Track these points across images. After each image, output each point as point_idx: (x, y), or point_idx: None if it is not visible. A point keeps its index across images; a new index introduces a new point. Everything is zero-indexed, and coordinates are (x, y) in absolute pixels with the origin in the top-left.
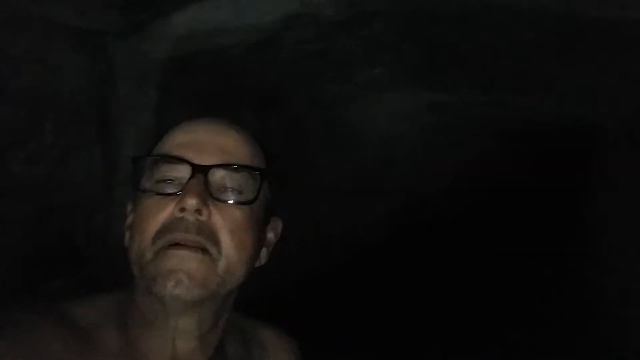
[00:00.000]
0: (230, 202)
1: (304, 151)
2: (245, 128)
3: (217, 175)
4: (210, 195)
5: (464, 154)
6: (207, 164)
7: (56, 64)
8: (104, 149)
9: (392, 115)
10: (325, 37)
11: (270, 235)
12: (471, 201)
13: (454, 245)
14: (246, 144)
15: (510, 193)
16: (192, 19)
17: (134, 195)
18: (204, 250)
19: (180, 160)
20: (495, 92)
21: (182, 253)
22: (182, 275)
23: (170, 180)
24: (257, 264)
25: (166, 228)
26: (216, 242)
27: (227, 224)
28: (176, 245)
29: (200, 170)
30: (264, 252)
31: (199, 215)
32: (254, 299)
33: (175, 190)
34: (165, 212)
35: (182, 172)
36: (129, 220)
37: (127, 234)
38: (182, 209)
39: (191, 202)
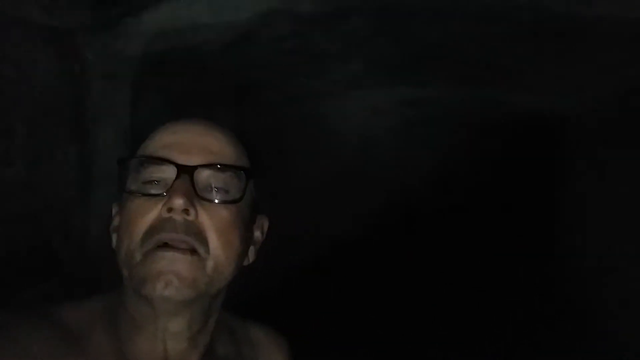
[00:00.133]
0: (216, 201)
1: (281, 148)
2: (227, 127)
3: (203, 175)
4: (196, 195)
5: (441, 148)
6: (193, 164)
7: (25, 63)
8: (78, 149)
9: (369, 110)
10: (302, 33)
11: (257, 234)
12: (449, 195)
13: (433, 239)
14: (230, 143)
15: (488, 186)
16: (165, 16)
17: (120, 197)
18: (192, 251)
19: (166, 161)
20: (470, 86)
21: (171, 255)
22: (172, 276)
23: (156, 181)
24: (245, 263)
25: (154, 229)
26: (204, 242)
27: (214, 223)
28: (165, 246)
29: (185, 171)
30: (251, 251)
31: (187, 215)
32: (237, 298)
33: (162, 191)
34: (153, 213)
35: (168, 172)
36: (116, 222)
37: (115, 236)
38: (170, 209)
39: (178, 202)
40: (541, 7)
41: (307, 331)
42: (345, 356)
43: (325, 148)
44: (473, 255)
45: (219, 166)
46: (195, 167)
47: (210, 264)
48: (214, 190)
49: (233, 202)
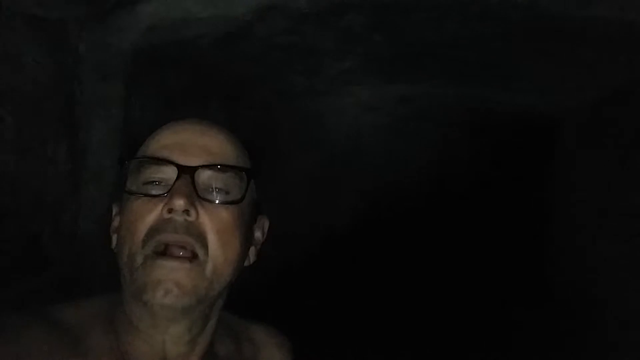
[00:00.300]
0: (217, 202)
1: (273, 144)
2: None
3: (204, 176)
4: (197, 195)
5: (433, 145)
6: (193, 164)
7: (15, 55)
8: (69, 144)
9: (361, 107)
10: (297, 29)
11: (258, 234)
12: (439, 191)
13: (423, 235)
14: (231, 144)
15: (478, 183)
16: (159, 9)
17: (120, 198)
18: (191, 259)
19: (166, 161)
20: (462, 85)
21: (170, 264)
22: (171, 284)
23: (156, 181)
24: (246, 263)
25: (155, 230)
26: (204, 243)
27: (215, 224)
28: (164, 255)
29: (186, 171)
30: (252, 251)
31: (187, 216)
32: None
33: (162, 192)
34: (153, 213)
35: (168, 173)
36: (116, 222)
37: (115, 237)
38: (170, 210)
39: (179, 202)
40: (538, 8)
41: (293, 327)
42: (336, 352)
43: (317, 144)
44: (464, 252)
45: (219, 167)
46: (196, 168)
47: (209, 266)
48: (214, 191)
49: (234, 202)
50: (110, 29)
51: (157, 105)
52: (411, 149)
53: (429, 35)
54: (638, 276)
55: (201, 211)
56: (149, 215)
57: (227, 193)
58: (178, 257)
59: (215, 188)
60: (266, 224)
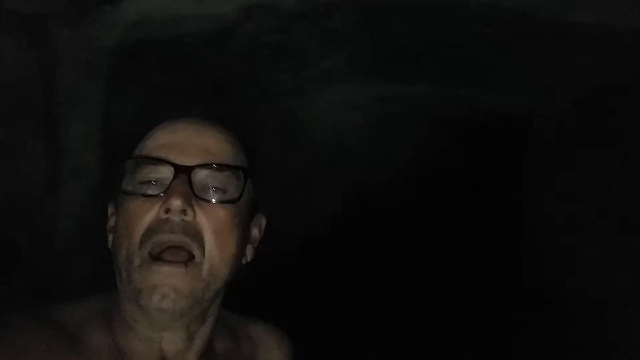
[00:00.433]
0: (214, 201)
1: (256, 142)
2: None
3: (201, 175)
4: (194, 195)
5: (413, 145)
6: (190, 164)
7: None
8: (48, 141)
9: (344, 106)
10: (284, 28)
11: (255, 232)
12: (421, 190)
13: (404, 235)
14: (228, 142)
15: (459, 182)
16: (145, 5)
17: (116, 197)
18: (187, 262)
19: (163, 161)
20: (444, 85)
21: (166, 269)
22: (168, 289)
23: (153, 181)
24: (243, 261)
25: (152, 230)
26: (201, 243)
27: (212, 223)
28: (160, 260)
29: (183, 171)
30: (249, 249)
31: (184, 216)
32: None
33: (159, 192)
34: (150, 213)
35: (165, 173)
36: (112, 222)
37: (111, 237)
38: (167, 210)
39: (176, 202)
40: (524, 11)
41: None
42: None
43: (300, 143)
44: (445, 250)
45: (216, 166)
46: (192, 167)
47: (205, 266)
48: (211, 190)
49: (231, 201)
50: (93, 25)
51: (140, 103)
52: (392, 148)
53: (414, 36)
54: (610, 270)
55: (198, 211)
56: (146, 215)
57: (224, 192)
58: (174, 262)
59: (212, 187)
60: (263, 222)
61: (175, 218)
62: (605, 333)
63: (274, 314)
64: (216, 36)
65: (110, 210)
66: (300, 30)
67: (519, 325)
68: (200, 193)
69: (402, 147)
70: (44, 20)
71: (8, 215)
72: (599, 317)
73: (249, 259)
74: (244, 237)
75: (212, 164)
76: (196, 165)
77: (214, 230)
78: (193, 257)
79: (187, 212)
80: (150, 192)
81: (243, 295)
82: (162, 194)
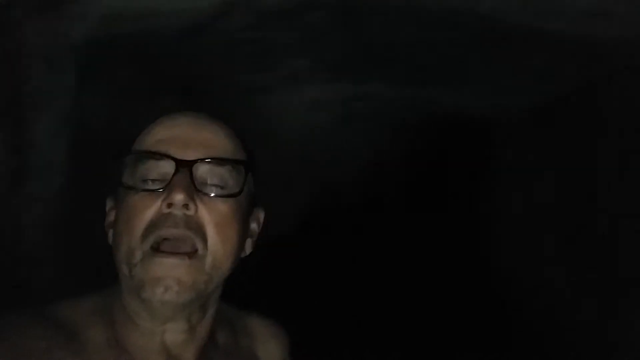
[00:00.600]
0: (216, 195)
1: None
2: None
3: (202, 170)
4: (195, 189)
5: (379, 143)
6: (191, 158)
7: None
8: (12, 137)
9: (312, 104)
10: (261, 26)
11: (254, 226)
12: (384, 189)
13: (367, 232)
14: (228, 137)
15: (423, 181)
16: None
17: (115, 192)
18: (190, 254)
19: (164, 156)
20: (413, 86)
21: (169, 261)
22: (171, 281)
23: (153, 176)
24: (242, 255)
25: (154, 225)
26: (203, 237)
27: (213, 217)
28: (163, 252)
29: (184, 165)
30: (248, 243)
31: (187, 210)
32: None
33: (160, 187)
34: (152, 208)
35: (166, 167)
36: (111, 217)
37: (111, 232)
38: (170, 205)
39: (179, 197)
40: (498, 19)
41: None
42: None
43: (267, 141)
44: (404, 248)
45: (217, 160)
46: (193, 162)
47: (208, 260)
48: (212, 185)
49: (232, 195)
50: (63, 16)
51: (110, 98)
52: (357, 146)
53: (387, 37)
54: (570, 266)
55: (200, 205)
56: (148, 210)
57: (224, 186)
58: (177, 254)
59: (213, 181)
60: (262, 216)
61: (178, 212)
62: (561, 329)
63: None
64: (190, 32)
65: (108, 205)
66: (276, 29)
67: (483, 326)
68: (201, 187)
69: (368, 146)
70: (8, 9)
71: None
72: (555, 310)
73: (247, 252)
74: (244, 231)
75: (213, 159)
76: (197, 160)
77: (216, 224)
78: (196, 250)
79: (190, 207)
80: (151, 186)
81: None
82: (162, 189)
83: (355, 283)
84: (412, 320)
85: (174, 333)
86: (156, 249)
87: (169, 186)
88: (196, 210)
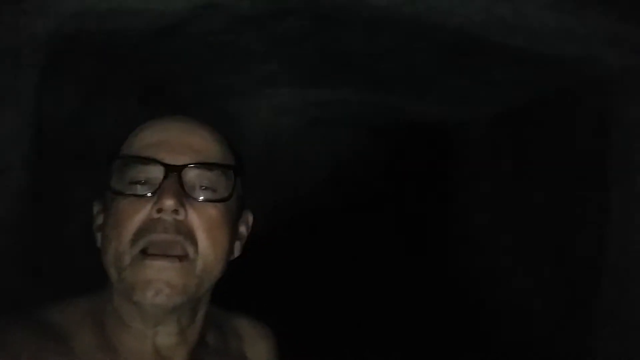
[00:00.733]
0: (205, 200)
1: None
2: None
3: (191, 174)
4: (185, 194)
5: (342, 148)
6: (180, 163)
7: None
8: None
9: (276, 109)
10: (233, 30)
11: (242, 229)
12: (347, 194)
13: (329, 236)
14: (216, 141)
15: (386, 186)
16: None
17: (103, 196)
18: (181, 257)
19: (153, 160)
20: (379, 93)
21: (159, 264)
22: (162, 284)
23: (142, 180)
24: (231, 258)
25: (144, 229)
26: (194, 242)
27: (203, 222)
28: (153, 255)
29: (173, 170)
30: (237, 246)
31: (177, 215)
32: None
33: (150, 191)
34: (142, 213)
35: (155, 172)
36: (99, 221)
37: (99, 236)
38: (160, 210)
39: (169, 202)
40: (467, 32)
41: None
42: None
43: (234, 143)
44: (367, 253)
45: (206, 165)
46: (183, 167)
47: (199, 264)
48: (202, 189)
49: (222, 200)
50: (25, 11)
51: (75, 97)
52: (320, 151)
53: (357, 46)
54: (529, 262)
55: (189, 210)
56: (137, 215)
57: (214, 191)
58: (167, 257)
59: (202, 186)
60: (250, 219)
61: (168, 218)
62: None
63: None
64: (161, 33)
65: (95, 209)
66: (249, 33)
67: (444, 325)
68: (191, 192)
69: (333, 150)
70: None
71: None
72: (513, 308)
73: (236, 255)
74: (233, 235)
75: (202, 163)
76: (186, 165)
77: (206, 228)
78: (187, 254)
79: (179, 212)
80: (140, 191)
81: None
82: (150, 194)
83: (318, 284)
84: (375, 319)
85: (166, 336)
86: (145, 253)
87: (158, 191)
88: (186, 215)
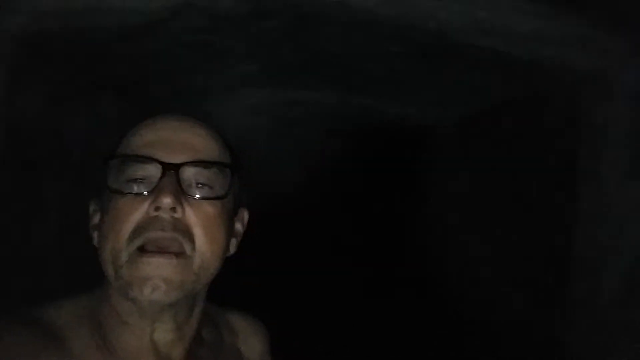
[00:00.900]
0: (202, 198)
1: None
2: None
3: (188, 172)
4: (182, 192)
5: (315, 149)
6: (177, 161)
7: None
8: None
9: (249, 109)
10: (212, 30)
11: (238, 226)
12: (318, 195)
13: (300, 238)
14: (213, 139)
15: (358, 187)
16: None
17: (100, 195)
18: (177, 254)
19: (150, 159)
20: (354, 94)
21: (156, 260)
22: (159, 281)
23: (139, 179)
24: (227, 255)
25: (141, 227)
26: (191, 239)
27: (200, 220)
28: (149, 252)
29: (170, 169)
30: (232, 243)
31: (174, 213)
32: None
33: (147, 190)
34: (139, 211)
35: (152, 171)
36: (96, 219)
37: (96, 234)
38: (157, 208)
39: (166, 200)
40: (444, 35)
41: None
42: None
43: None
44: (340, 252)
45: (203, 163)
46: (180, 165)
47: (196, 261)
48: (199, 187)
49: (219, 198)
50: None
51: (44, 96)
52: (293, 151)
53: (335, 47)
54: (500, 267)
55: (187, 207)
56: (135, 213)
57: (210, 188)
58: (164, 253)
59: (199, 184)
60: (246, 216)
61: (165, 215)
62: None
63: None
64: (137, 32)
65: (92, 208)
66: (226, 33)
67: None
68: (188, 190)
69: (308, 151)
70: None
71: None
72: (487, 305)
73: (231, 252)
74: (230, 232)
75: (199, 162)
76: (184, 163)
77: (203, 226)
78: (184, 251)
79: (177, 210)
80: (137, 190)
81: None
82: (147, 192)
83: (294, 281)
84: (352, 315)
85: (163, 332)
86: (143, 250)
87: (156, 190)
88: (183, 213)
